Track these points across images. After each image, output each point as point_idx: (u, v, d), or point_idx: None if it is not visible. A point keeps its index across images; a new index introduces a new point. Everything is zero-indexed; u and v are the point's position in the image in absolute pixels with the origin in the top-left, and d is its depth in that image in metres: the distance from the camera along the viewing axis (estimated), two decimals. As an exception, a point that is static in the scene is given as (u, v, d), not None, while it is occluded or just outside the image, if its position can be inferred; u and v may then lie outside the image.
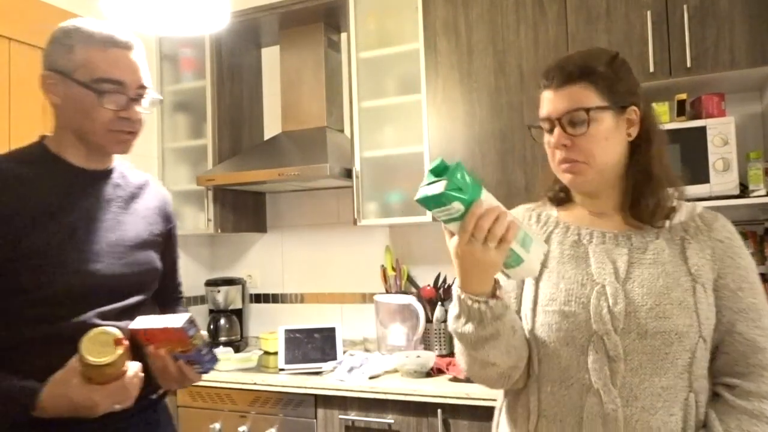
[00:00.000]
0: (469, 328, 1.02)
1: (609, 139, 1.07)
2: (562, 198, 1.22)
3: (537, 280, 1.13)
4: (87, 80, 1.16)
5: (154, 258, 1.32)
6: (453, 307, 1.05)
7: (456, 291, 1.02)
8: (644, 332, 1.01)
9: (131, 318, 1.20)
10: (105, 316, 1.17)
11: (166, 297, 1.43)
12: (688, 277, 1.04)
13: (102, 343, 1.07)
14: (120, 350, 1.07)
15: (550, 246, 1.15)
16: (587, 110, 1.05)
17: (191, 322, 1.17)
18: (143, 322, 1.19)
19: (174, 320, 1.16)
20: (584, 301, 1.06)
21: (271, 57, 3.16)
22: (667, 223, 1.10)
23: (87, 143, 1.22)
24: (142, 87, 1.22)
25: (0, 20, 2.27)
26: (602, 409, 1.01)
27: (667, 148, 1.14)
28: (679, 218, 1.11)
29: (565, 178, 1.12)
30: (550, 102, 1.10)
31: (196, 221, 2.89)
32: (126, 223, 1.27)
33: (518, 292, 1.16)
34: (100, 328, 1.09)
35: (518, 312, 1.15)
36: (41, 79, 1.19)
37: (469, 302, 1.00)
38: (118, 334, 1.08)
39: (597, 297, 1.05)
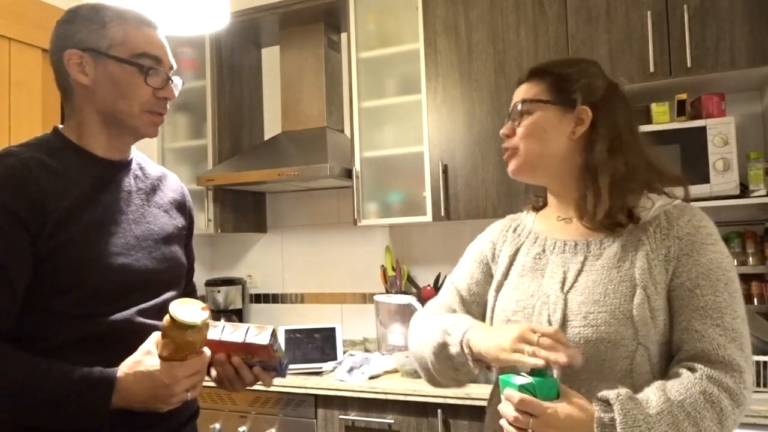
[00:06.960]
0: (452, 360, 1.09)
1: (548, 131, 1.11)
2: (540, 206, 1.24)
3: (497, 292, 1.16)
4: (127, 56, 1.11)
5: (179, 253, 1.28)
6: (450, 338, 1.08)
7: (471, 345, 1.04)
8: (578, 341, 1.00)
9: None
10: (145, 313, 1.13)
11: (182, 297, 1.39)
12: (628, 283, 1.00)
13: (190, 307, 1.02)
14: (208, 313, 1.03)
15: (517, 258, 1.18)
16: (522, 102, 1.13)
17: (275, 336, 1.13)
18: (216, 332, 1.13)
19: (258, 336, 1.12)
20: (529, 312, 1.08)
21: (271, 57, 3.16)
22: (630, 226, 1.05)
23: (116, 127, 1.15)
24: (172, 68, 1.18)
25: (0, 20, 2.27)
26: None
27: (640, 153, 1.09)
28: (645, 219, 1.05)
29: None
30: None
31: (196, 221, 2.87)
32: (150, 216, 1.21)
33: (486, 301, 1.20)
34: (182, 298, 1.06)
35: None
36: (67, 57, 1.10)
37: (470, 359, 1.05)
38: (202, 303, 1.05)
39: (540, 307, 1.07)
